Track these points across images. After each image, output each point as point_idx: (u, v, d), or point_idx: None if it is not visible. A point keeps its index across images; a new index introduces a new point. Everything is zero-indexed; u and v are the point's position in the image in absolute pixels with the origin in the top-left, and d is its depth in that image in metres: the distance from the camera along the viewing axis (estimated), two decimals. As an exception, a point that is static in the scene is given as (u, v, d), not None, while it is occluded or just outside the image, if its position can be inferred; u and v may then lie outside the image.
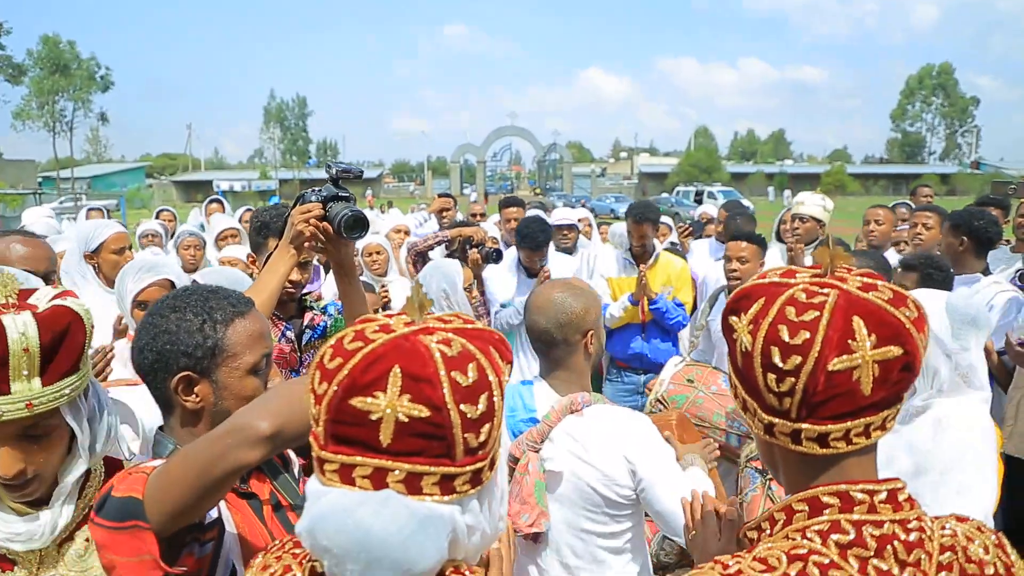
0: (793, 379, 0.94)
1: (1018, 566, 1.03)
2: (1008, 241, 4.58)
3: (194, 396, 1.32)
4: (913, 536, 0.96)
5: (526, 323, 2.03)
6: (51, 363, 1.18)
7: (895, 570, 0.93)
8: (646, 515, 2.12)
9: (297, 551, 1.05)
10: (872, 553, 0.93)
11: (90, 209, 6.69)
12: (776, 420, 0.98)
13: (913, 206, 5.88)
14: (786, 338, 0.94)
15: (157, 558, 1.09)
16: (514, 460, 1.92)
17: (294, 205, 1.90)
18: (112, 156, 72.89)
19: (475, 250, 4.07)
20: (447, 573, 0.93)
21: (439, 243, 4.30)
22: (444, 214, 6.89)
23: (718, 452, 2.30)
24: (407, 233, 5.94)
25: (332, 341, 0.93)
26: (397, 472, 0.86)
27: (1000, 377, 3.21)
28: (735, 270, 3.74)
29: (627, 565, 1.95)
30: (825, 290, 0.97)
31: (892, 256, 4.69)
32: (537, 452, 1.92)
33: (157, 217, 6.74)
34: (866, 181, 63.83)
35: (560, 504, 1.89)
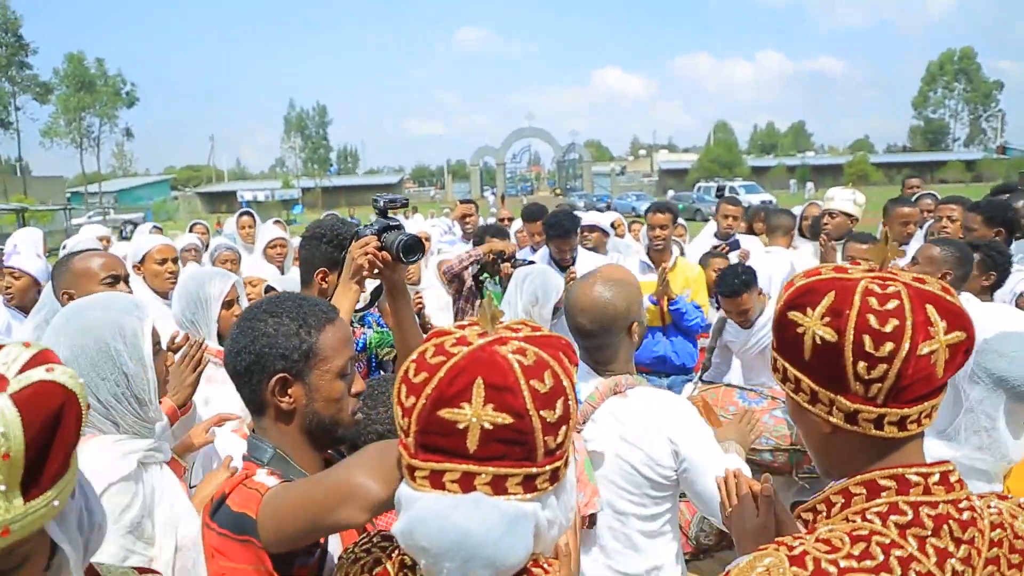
0: (886, 365, 0.97)
1: None
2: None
3: (288, 397, 1.39)
4: (966, 515, 1.00)
5: (569, 324, 2.03)
6: (38, 470, 0.79)
7: (951, 547, 0.97)
8: (682, 496, 2.14)
9: (385, 544, 1.13)
10: (929, 532, 0.98)
11: (134, 225, 6.90)
12: (862, 407, 1.01)
13: (938, 196, 5.84)
14: (876, 326, 0.97)
15: (271, 569, 1.17)
16: None
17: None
18: (137, 170, 74.13)
19: (507, 264, 4.13)
20: (529, 566, 1.01)
21: (474, 262, 4.37)
22: (467, 220, 7.00)
23: (760, 430, 2.30)
24: (428, 240, 6.04)
25: (414, 356, 1.01)
26: (484, 475, 0.94)
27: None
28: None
29: (661, 551, 1.95)
30: (891, 281, 1.01)
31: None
32: (579, 432, 1.90)
33: (191, 231, 6.89)
34: (889, 170, 62.95)
35: (601, 485, 1.88)
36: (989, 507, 1.05)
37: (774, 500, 1.42)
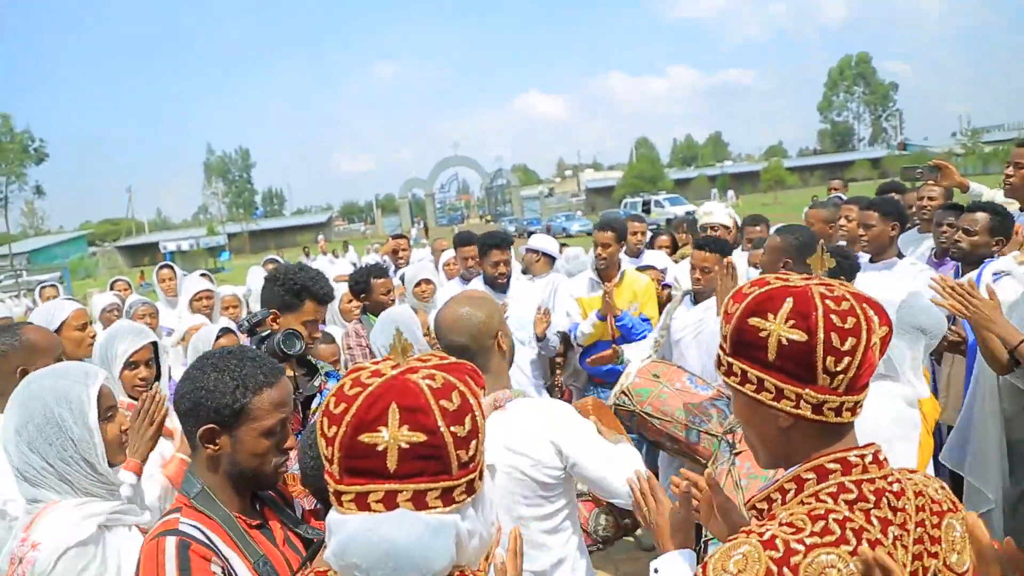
0: (849, 358, 1.13)
1: (959, 504, 1.26)
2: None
3: (215, 445, 1.54)
4: (896, 487, 1.17)
5: (442, 344, 2.14)
6: None
7: (890, 516, 1.13)
8: (578, 495, 2.32)
9: None
10: (872, 505, 1.13)
11: (43, 286, 6.67)
12: (828, 397, 1.15)
13: (844, 197, 6.24)
14: (839, 324, 1.12)
15: None
16: None
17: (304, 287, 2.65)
18: (50, 227, 71.23)
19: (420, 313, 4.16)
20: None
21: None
22: (399, 254, 7.03)
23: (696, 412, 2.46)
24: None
25: (334, 390, 1.10)
26: (405, 492, 1.04)
27: (937, 355, 3.49)
28: (699, 279, 3.92)
29: (565, 544, 2.09)
30: (831, 286, 1.18)
31: None
32: None
33: (112, 288, 6.72)
34: (803, 173, 65.82)
35: (497, 496, 1.97)
36: (909, 478, 1.21)
37: (715, 488, 1.56)
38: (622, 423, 3.50)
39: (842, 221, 4.63)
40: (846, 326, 1.13)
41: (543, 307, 4.69)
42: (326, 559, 1.08)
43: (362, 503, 1.05)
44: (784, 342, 1.14)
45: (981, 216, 3.37)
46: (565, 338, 4.82)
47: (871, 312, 1.16)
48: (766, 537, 1.10)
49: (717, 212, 5.13)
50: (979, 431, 3.10)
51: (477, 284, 4.97)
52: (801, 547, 1.08)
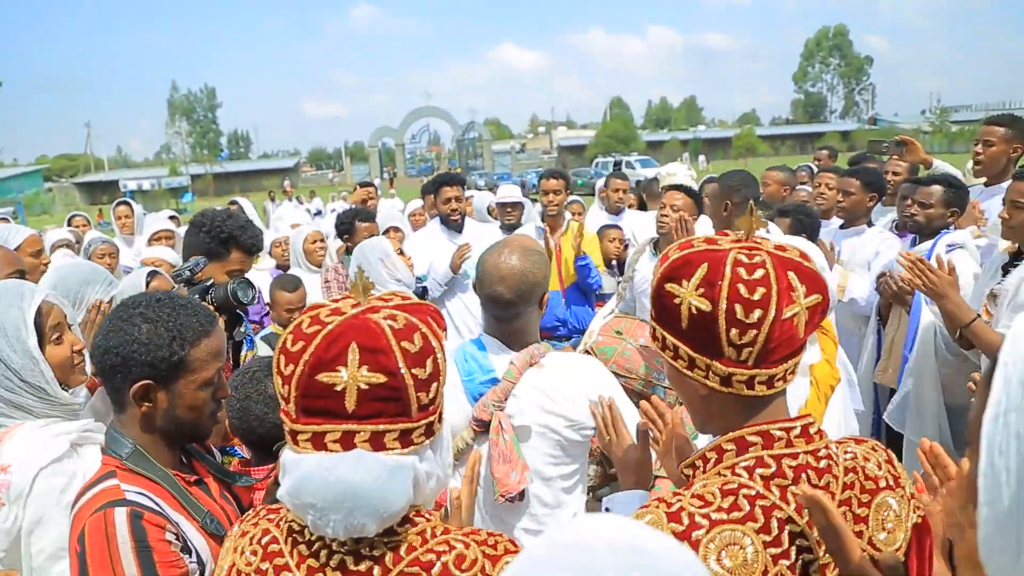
0: (755, 331, 1.07)
1: (903, 476, 1.21)
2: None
3: (148, 403, 1.43)
4: (823, 463, 1.12)
5: (484, 295, 1.99)
6: None
7: None
8: None
9: (272, 516, 1.18)
10: (790, 481, 1.09)
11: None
12: (735, 370, 1.10)
13: (814, 169, 6.30)
14: (746, 295, 1.06)
15: None
16: (480, 423, 1.93)
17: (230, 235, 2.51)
18: (3, 160, 68.61)
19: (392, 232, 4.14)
20: (411, 516, 1.09)
21: None
22: (368, 204, 6.94)
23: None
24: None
25: (291, 328, 1.08)
26: (363, 433, 1.02)
27: (883, 315, 3.58)
28: (665, 216, 3.82)
29: (578, 499, 2.06)
30: (757, 252, 1.11)
31: None
32: (503, 410, 1.92)
33: (69, 223, 6.51)
34: (774, 142, 66.21)
35: (529, 457, 1.91)
36: (846, 452, 1.17)
37: (680, 425, 1.53)
38: None
39: (822, 189, 4.68)
40: (753, 297, 1.07)
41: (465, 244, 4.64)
42: (279, 497, 1.07)
43: (319, 443, 1.03)
44: (693, 311, 1.10)
45: (936, 189, 3.45)
46: None
47: (795, 280, 1.10)
48: (673, 509, 1.09)
49: (680, 174, 5.24)
50: (919, 392, 3.21)
51: (432, 225, 4.98)
52: (705, 522, 1.06)
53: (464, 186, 4.96)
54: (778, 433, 1.13)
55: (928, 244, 3.38)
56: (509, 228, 5.19)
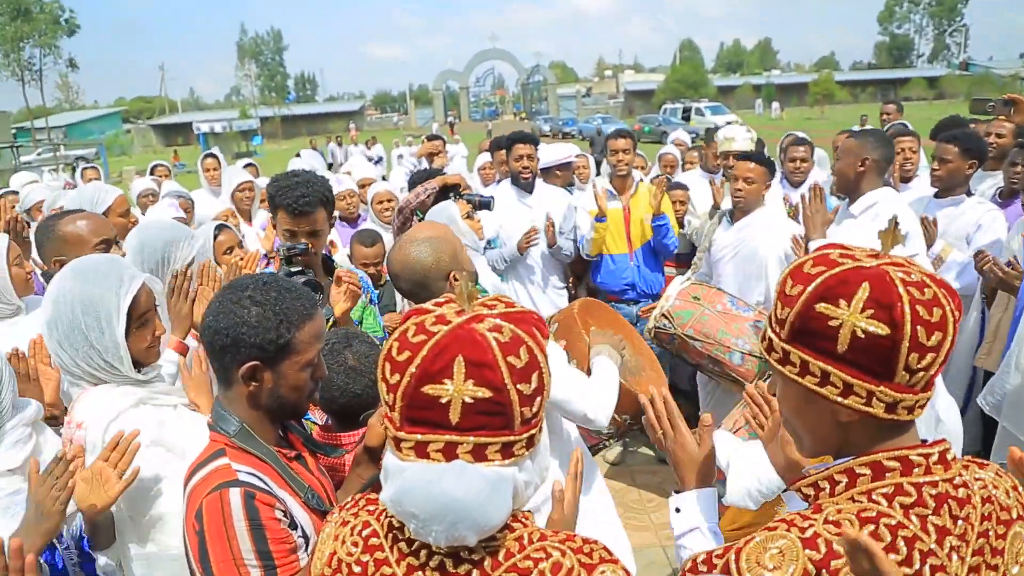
0: (934, 354, 1.02)
1: None
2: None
3: (256, 383, 1.48)
4: (961, 492, 1.06)
5: (395, 286, 2.14)
6: None
7: (949, 525, 1.03)
8: None
9: (371, 508, 1.20)
10: (931, 511, 1.03)
11: (84, 168, 6.70)
12: (904, 396, 1.04)
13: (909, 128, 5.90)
14: (926, 316, 1.00)
15: None
16: None
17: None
18: (85, 102, 71.04)
19: (462, 200, 4.02)
20: (509, 521, 1.09)
21: (428, 196, 4.12)
22: (434, 159, 6.83)
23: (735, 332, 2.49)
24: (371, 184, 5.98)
25: (396, 335, 1.07)
26: (465, 444, 1.01)
27: (988, 295, 3.39)
28: (740, 190, 3.72)
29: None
30: (907, 266, 1.05)
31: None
32: None
33: (152, 173, 6.72)
34: (854, 88, 62.99)
35: None
36: (977, 479, 1.11)
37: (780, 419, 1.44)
38: (663, 346, 3.51)
39: (906, 155, 4.41)
40: (932, 320, 1.00)
41: (549, 217, 4.59)
42: (382, 501, 1.08)
43: (421, 451, 1.03)
44: (860, 334, 1.01)
45: (1055, 156, 3.18)
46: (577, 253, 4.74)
47: (951, 300, 1.04)
48: (808, 535, 1.02)
49: (739, 139, 4.72)
50: (1019, 379, 3.05)
51: (504, 185, 4.91)
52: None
53: (537, 144, 4.84)
54: (917, 459, 1.06)
55: None
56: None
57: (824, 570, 1.00)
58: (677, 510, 1.46)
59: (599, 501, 2.31)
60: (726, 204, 4.16)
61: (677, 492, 1.49)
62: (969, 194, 3.82)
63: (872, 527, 1.02)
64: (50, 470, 1.58)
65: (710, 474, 1.49)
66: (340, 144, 24.13)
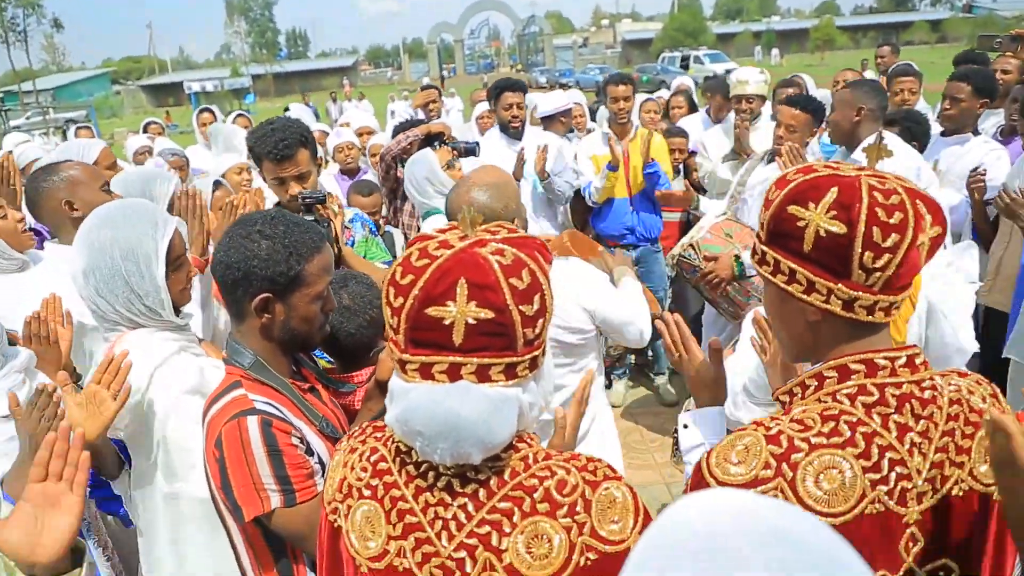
0: (890, 255, 1.06)
1: (1009, 411, 1.16)
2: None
3: (268, 315, 1.52)
4: (927, 394, 1.11)
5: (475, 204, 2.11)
6: None
7: (911, 423, 1.09)
8: None
9: (378, 435, 1.22)
10: (893, 410, 1.09)
11: (78, 127, 6.63)
12: (861, 294, 1.09)
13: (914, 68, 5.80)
14: (884, 218, 1.05)
15: None
16: None
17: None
18: (72, 64, 69.91)
19: (446, 147, 3.81)
20: (514, 442, 1.12)
21: (411, 143, 4.09)
22: (431, 107, 6.76)
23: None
24: (371, 134, 5.90)
25: (400, 260, 1.08)
26: (469, 365, 1.03)
27: (983, 233, 3.38)
28: (781, 138, 3.55)
29: (597, 391, 2.28)
30: (885, 178, 1.09)
31: None
32: None
33: (145, 131, 6.65)
34: (855, 34, 61.87)
35: None
36: (950, 384, 1.15)
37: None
38: (683, 275, 3.53)
39: (904, 96, 4.37)
40: (891, 221, 1.05)
41: (542, 145, 4.50)
42: (388, 422, 1.10)
43: (426, 373, 1.05)
44: (822, 233, 1.08)
45: (1059, 95, 3.13)
46: (578, 197, 4.72)
47: (923, 209, 1.07)
48: (772, 431, 1.10)
49: (753, 82, 4.59)
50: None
51: (492, 133, 4.87)
52: (805, 445, 1.07)
53: (525, 91, 4.79)
54: (882, 362, 1.12)
55: None
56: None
57: (784, 463, 1.07)
58: (685, 426, 1.51)
59: (605, 436, 2.37)
60: (760, 146, 4.08)
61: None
62: (976, 133, 3.77)
63: (833, 423, 1.09)
64: (33, 402, 1.59)
65: (722, 394, 1.56)
66: (335, 101, 23.81)
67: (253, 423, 1.42)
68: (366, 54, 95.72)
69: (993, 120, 4.08)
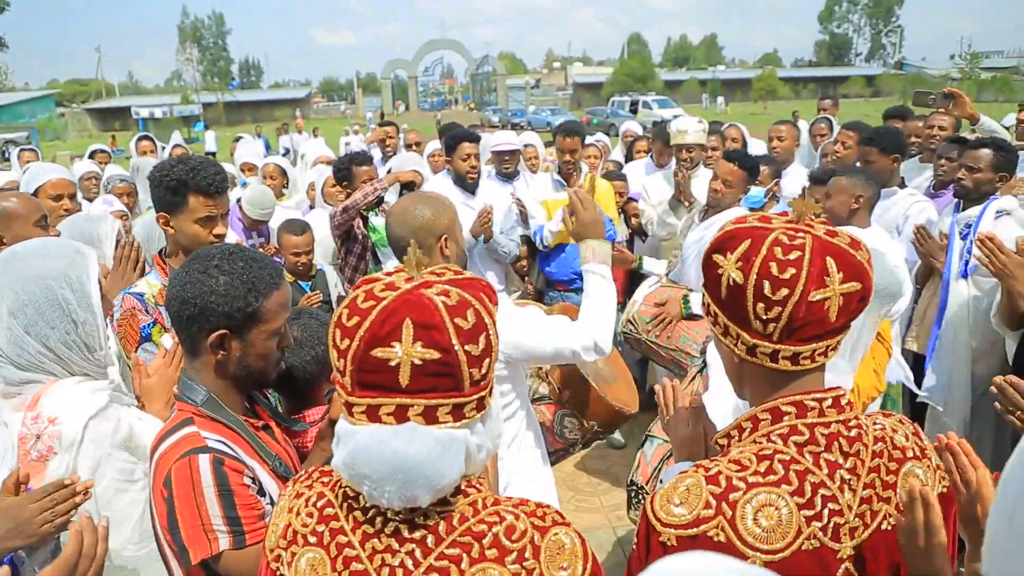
0: (780, 308, 1.12)
1: (929, 448, 1.27)
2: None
3: (224, 351, 1.49)
4: (854, 432, 1.17)
5: (388, 238, 2.15)
6: None
7: (840, 460, 1.15)
8: (536, 400, 2.52)
9: (325, 479, 1.20)
10: (823, 448, 1.15)
11: (21, 149, 6.44)
12: (760, 342, 1.17)
13: (833, 121, 6.09)
14: (776, 273, 1.11)
15: None
16: None
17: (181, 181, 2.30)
18: (15, 84, 67.80)
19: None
20: (463, 487, 1.12)
21: (376, 198, 4.06)
22: (387, 143, 6.77)
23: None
24: (328, 163, 5.83)
25: (346, 302, 1.08)
26: (416, 407, 1.03)
27: (920, 282, 3.55)
28: (717, 191, 3.64)
29: (520, 430, 2.25)
30: (801, 234, 1.15)
31: (799, 170, 4.95)
32: None
33: (91, 157, 6.47)
34: (796, 85, 64.60)
35: None
36: (875, 424, 1.22)
37: (702, 410, 1.57)
38: (633, 348, 3.57)
39: (837, 147, 4.58)
40: (782, 276, 1.11)
41: (488, 207, 4.39)
42: (334, 466, 1.09)
43: (373, 415, 1.04)
44: (730, 282, 1.16)
45: (985, 153, 3.33)
46: (528, 242, 4.72)
47: (832, 266, 1.12)
48: (711, 472, 1.15)
49: (692, 131, 4.69)
50: (946, 363, 3.21)
51: (445, 181, 4.73)
52: (743, 484, 1.12)
53: (479, 141, 4.78)
54: (811, 403, 1.18)
55: (976, 210, 3.28)
56: (506, 177, 4.95)
57: (723, 502, 1.12)
58: (660, 481, 1.53)
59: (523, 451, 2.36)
60: (700, 192, 4.19)
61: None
62: (902, 186, 3.96)
63: (768, 462, 1.15)
64: (49, 491, 1.44)
65: (698, 452, 1.57)
66: (286, 131, 23.59)
67: (204, 461, 1.38)
68: (319, 86, 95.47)
69: (928, 174, 4.27)
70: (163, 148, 6.20)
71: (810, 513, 1.11)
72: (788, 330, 1.14)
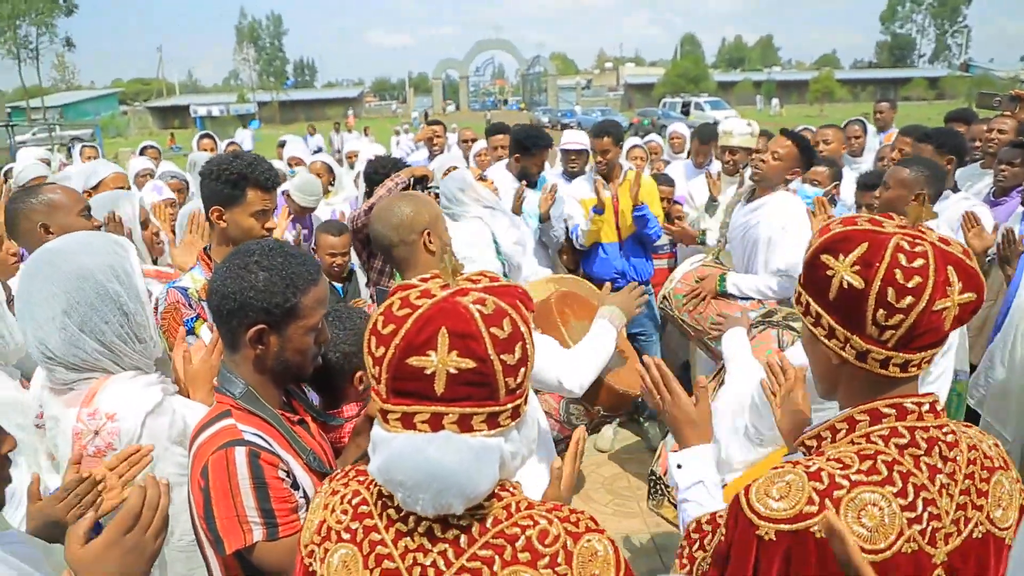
0: (903, 316, 1.10)
1: (1010, 460, 1.26)
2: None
3: (262, 346, 1.51)
4: (950, 438, 1.17)
5: (371, 236, 2.16)
6: None
7: (940, 464, 1.14)
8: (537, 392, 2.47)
9: (361, 478, 1.21)
10: (923, 452, 1.14)
11: (83, 146, 6.69)
12: (873, 348, 1.15)
13: (866, 124, 5.86)
14: (901, 280, 1.09)
15: None
16: None
17: (235, 175, 2.39)
18: (81, 83, 70.51)
19: (428, 192, 3.79)
20: (497, 490, 1.11)
21: (397, 189, 3.90)
22: (435, 141, 6.82)
23: (644, 298, 2.57)
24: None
25: (382, 309, 1.08)
26: (451, 415, 1.03)
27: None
28: (763, 161, 3.44)
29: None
30: (920, 241, 1.13)
31: (847, 174, 4.77)
32: None
33: (142, 153, 6.67)
34: (854, 87, 62.96)
35: None
36: (963, 431, 1.22)
37: (801, 381, 1.59)
38: (669, 323, 3.59)
39: (894, 154, 4.44)
40: (908, 284, 1.09)
41: (550, 185, 4.61)
42: (370, 472, 1.09)
43: (408, 422, 1.04)
44: (844, 285, 1.14)
45: (1050, 158, 3.17)
46: (568, 241, 4.76)
47: (953, 275, 1.11)
48: (812, 469, 1.13)
49: (737, 133, 4.55)
50: (1003, 373, 3.08)
51: (499, 168, 4.91)
52: (846, 482, 1.10)
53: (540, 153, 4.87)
54: (911, 407, 1.18)
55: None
56: (572, 176, 5.00)
57: (827, 499, 1.09)
58: (679, 466, 1.51)
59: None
60: (724, 196, 4.14)
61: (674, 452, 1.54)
62: (955, 190, 3.79)
63: (871, 462, 1.13)
64: (71, 488, 1.46)
65: (708, 432, 1.57)
66: (338, 130, 24.01)
67: (241, 454, 1.41)
68: (372, 86, 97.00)
69: (988, 180, 4.10)
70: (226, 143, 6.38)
71: (912, 515, 1.10)
72: (907, 338, 1.12)
